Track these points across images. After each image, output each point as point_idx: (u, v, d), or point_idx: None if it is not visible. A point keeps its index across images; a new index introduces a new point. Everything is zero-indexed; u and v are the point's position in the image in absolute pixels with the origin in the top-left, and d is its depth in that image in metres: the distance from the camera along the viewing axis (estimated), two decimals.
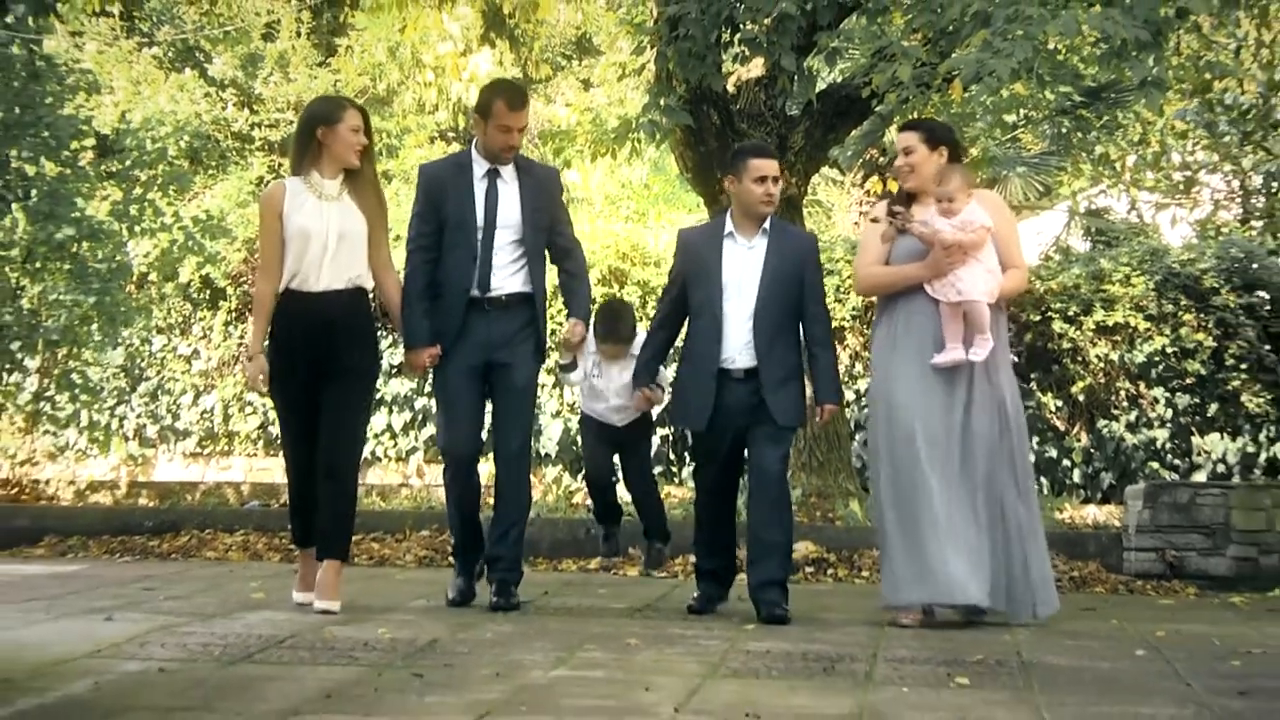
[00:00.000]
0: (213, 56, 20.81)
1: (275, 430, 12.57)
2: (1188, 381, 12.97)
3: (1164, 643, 6.62)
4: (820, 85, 10.17)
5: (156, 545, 10.02)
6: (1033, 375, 12.86)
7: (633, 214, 20.72)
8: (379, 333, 7.37)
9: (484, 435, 7.36)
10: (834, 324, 12.58)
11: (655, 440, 12.69)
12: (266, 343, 6.97)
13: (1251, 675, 5.78)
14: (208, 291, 13.77)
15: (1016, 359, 12.24)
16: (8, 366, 11.69)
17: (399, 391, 13.30)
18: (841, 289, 13.25)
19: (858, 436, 12.12)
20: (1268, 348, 13.01)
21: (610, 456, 7.86)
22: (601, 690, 5.13)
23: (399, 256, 7.21)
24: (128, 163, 12.23)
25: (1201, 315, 13.05)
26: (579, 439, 8.03)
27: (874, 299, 7.61)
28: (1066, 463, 12.78)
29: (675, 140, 10.96)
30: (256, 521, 10.42)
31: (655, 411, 7.80)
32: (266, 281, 6.94)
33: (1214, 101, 17.57)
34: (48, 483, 12.18)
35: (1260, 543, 9.30)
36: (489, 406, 7.28)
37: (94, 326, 11.69)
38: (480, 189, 7.12)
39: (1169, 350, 12.97)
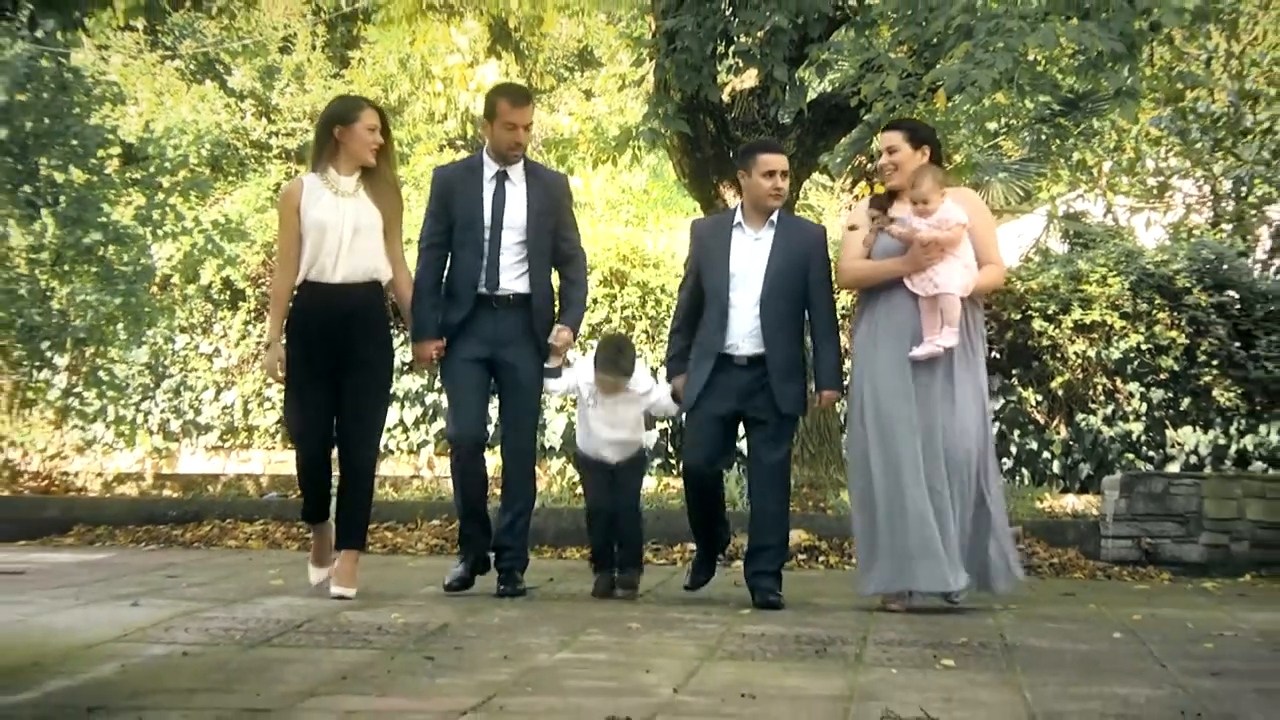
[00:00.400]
0: (232, 69, 20.81)
1: None
2: (1162, 377, 12.97)
3: (1140, 626, 6.62)
4: (811, 95, 10.15)
5: (180, 534, 10.02)
6: (1014, 371, 12.85)
7: (633, 218, 20.74)
8: (392, 328, 7.31)
9: (490, 427, 7.35)
10: None
11: (655, 434, 12.69)
12: (283, 341, 6.96)
13: (1223, 657, 5.79)
14: (228, 292, 13.75)
15: (998, 355, 12.27)
16: (38, 364, 11.70)
17: (411, 387, 13.29)
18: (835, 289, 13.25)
19: (845, 438, 12.11)
20: (1237, 345, 13.01)
21: (608, 485, 7.34)
22: (604, 672, 5.13)
23: (411, 256, 7.21)
24: (151, 170, 12.23)
25: (1174, 314, 13.04)
26: (580, 482, 7.67)
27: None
28: (1046, 454, 12.77)
29: (673, 147, 10.96)
30: (275, 511, 10.41)
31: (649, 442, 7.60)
32: (284, 275, 6.93)
33: (1186, 110, 17.58)
34: (76, 475, 12.18)
35: (1231, 530, 9.31)
36: (494, 400, 7.27)
37: (120, 326, 11.70)
38: (489, 190, 7.11)
39: (1144, 347, 12.96)
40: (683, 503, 7.56)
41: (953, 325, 6.70)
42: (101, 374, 12.12)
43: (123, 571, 8.09)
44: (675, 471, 12.54)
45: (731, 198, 10.23)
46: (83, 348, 11.71)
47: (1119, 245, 14.60)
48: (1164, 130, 18.27)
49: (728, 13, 10.00)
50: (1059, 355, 13.07)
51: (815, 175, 13.74)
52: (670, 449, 12.80)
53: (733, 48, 10.17)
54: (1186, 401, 12.94)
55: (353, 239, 6.84)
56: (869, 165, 14.21)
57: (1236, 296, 13.23)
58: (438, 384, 12.21)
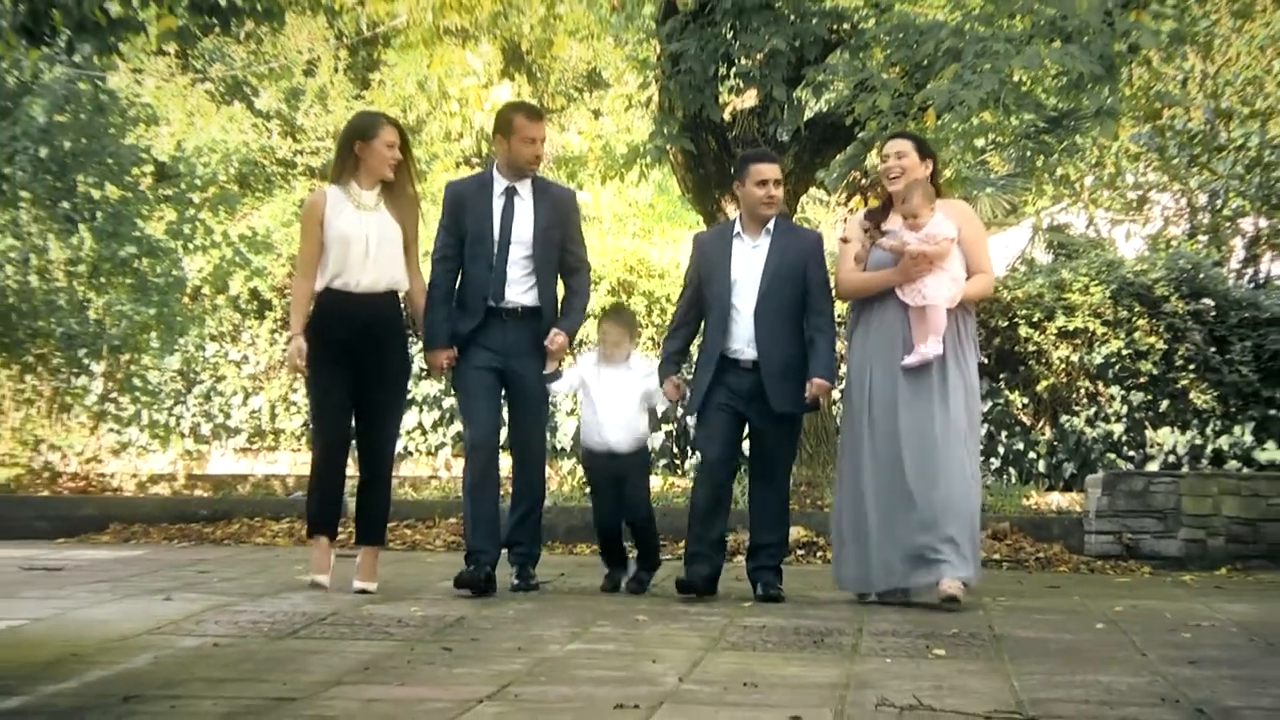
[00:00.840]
0: (259, 90, 20.83)
1: None
2: (1141, 380, 12.96)
3: (1122, 617, 6.61)
4: (808, 114, 10.15)
5: (210, 532, 10.02)
6: (1001, 375, 12.85)
7: (639, 231, 20.74)
8: (409, 335, 7.29)
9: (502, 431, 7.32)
10: None
11: (659, 435, 12.68)
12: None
13: (1200, 646, 5.78)
14: (255, 302, 13.76)
15: (986, 360, 12.25)
16: (76, 371, 11.72)
17: (429, 392, 13.30)
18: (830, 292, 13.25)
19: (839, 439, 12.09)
20: (1213, 350, 13.00)
21: (615, 500, 7.23)
22: (613, 662, 5.13)
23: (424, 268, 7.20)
24: (182, 186, 12.26)
25: (1153, 321, 13.04)
26: (584, 484, 7.59)
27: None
28: (1032, 454, 12.77)
29: (677, 164, 10.97)
30: (301, 510, 10.38)
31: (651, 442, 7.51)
32: (304, 279, 6.91)
33: (1164, 128, 17.56)
34: (112, 476, 12.18)
35: (1208, 526, 9.29)
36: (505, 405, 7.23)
37: (153, 335, 11.73)
38: (498, 206, 7.06)
39: (1124, 352, 12.95)
40: (687, 500, 7.53)
41: (938, 335, 6.68)
42: (136, 380, 12.14)
43: (156, 567, 8.10)
44: (680, 471, 12.54)
45: (732, 210, 10.21)
46: (118, 355, 11.73)
47: (1100, 256, 14.61)
48: (1143, 147, 18.26)
49: (729, 36, 10.02)
50: (1044, 360, 13.07)
51: (812, 190, 13.72)
52: (675, 450, 12.80)
53: (734, 69, 10.19)
54: (1165, 404, 12.93)
55: (376, 251, 6.84)
56: (863, 180, 14.21)
57: (1212, 304, 13.22)
58: None
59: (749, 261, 6.97)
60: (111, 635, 5.57)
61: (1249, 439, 12.74)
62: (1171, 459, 12.74)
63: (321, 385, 6.91)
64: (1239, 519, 9.39)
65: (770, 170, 7.02)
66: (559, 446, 12.79)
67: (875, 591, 6.87)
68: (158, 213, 11.99)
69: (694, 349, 7.41)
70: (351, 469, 7.18)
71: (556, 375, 7.17)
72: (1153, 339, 12.96)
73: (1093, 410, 13.00)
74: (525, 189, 7.11)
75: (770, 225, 7.02)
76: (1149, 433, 12.89)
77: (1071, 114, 10.34)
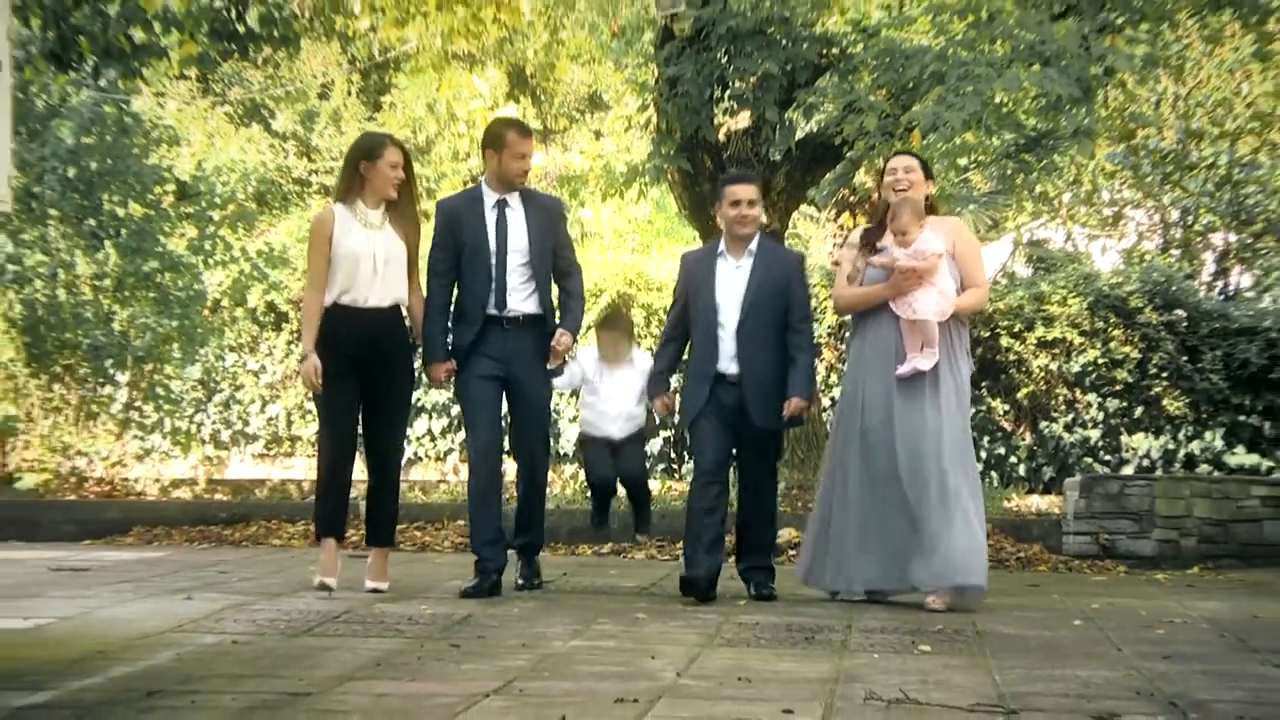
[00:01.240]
0: (276, 113, 20.85)
1: None
2: (1117, 388, 12.97)
3: (1098, 614, 6.62)
4: (799, 134, 10.16)
5: (229, 534, 10.01)
6: (984, 383, 12.84)
7: (638, 246, 20.75)
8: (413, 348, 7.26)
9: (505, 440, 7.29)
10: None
11: (658, 442, 12.68)
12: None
13: (1174, 641, 5.78)
14: (272, 315, 13.78)
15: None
16: (102, 380, 11.71)
17: (438, 400, 13.30)
18: (818, 309, 13.24)
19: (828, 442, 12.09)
20: (1185, 359, 13.01)
21: (610, 460, 7.29)
22: (613, 658, 5.13)
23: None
24: (203, 204, 12.27)
25: (1128, 331, 13.05)
26: (582, 456, 7.62)
27: (848, 318, 7.58)
28: (1013, 459, 12.78)
29: (674, 182, 10.97)
30: None
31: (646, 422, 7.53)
32: (314, 294, 6.84)
33: (1138, 147, 17.59)
34: (136, 480, 12.17)
35: (1180, 527, 9.29)
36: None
37: (175, 346, 11.73)
38: (491, 218, 6.99)
39: (1100, 361, 12.96)
40: (684, 504, 7.50)
41: (931, 347, 6.68)
42: (159, 389, 12.14)
43: (178, 568, 8.09)
44: (678, 475, 12.54)
45: None
46: (142, 365, 11.72)
47: (1078, 269, 14.61)
48: (1118, 165, 18.28)
49: (723, 61, 10.03)
50: (1024, 369, 13.08)
51: (803, 207, 13.73)
52: (673, 455, 12.80)
53: (728, 92, 10.21)
54: (1139, 410, 12.94)
55: (384, 269, 6.82)
56: (851, 197, 14.24)
57: (1184, 315, 13.23)
58: None
59: (732, 281, 6.93)
60: (135, 633, 5.57)
61: (1219, 444, 12.76)
62: (1146, 463, 12.75)
63: (330, 396, 6.86)
64: (1210, 520, 9.40)
65: (743, 191, 6.96)
66: (562, 452, 12.79)
67: (847, 591, 6.85)
68: (179, 229, 11.99)
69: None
70: (359, 473, 7.16)
71: (559, 371, 7.14)
72: (1128, 348, 12.97)
73: (1070, 417, 13.01)
74: (515, 200, 7.05)
75: (753, 245, 6.97)
76: (1124, 438, 12.90)
77: (1050, 134, 10.36)
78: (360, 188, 6.87)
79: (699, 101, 10.15)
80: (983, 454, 12.66)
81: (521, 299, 6.98)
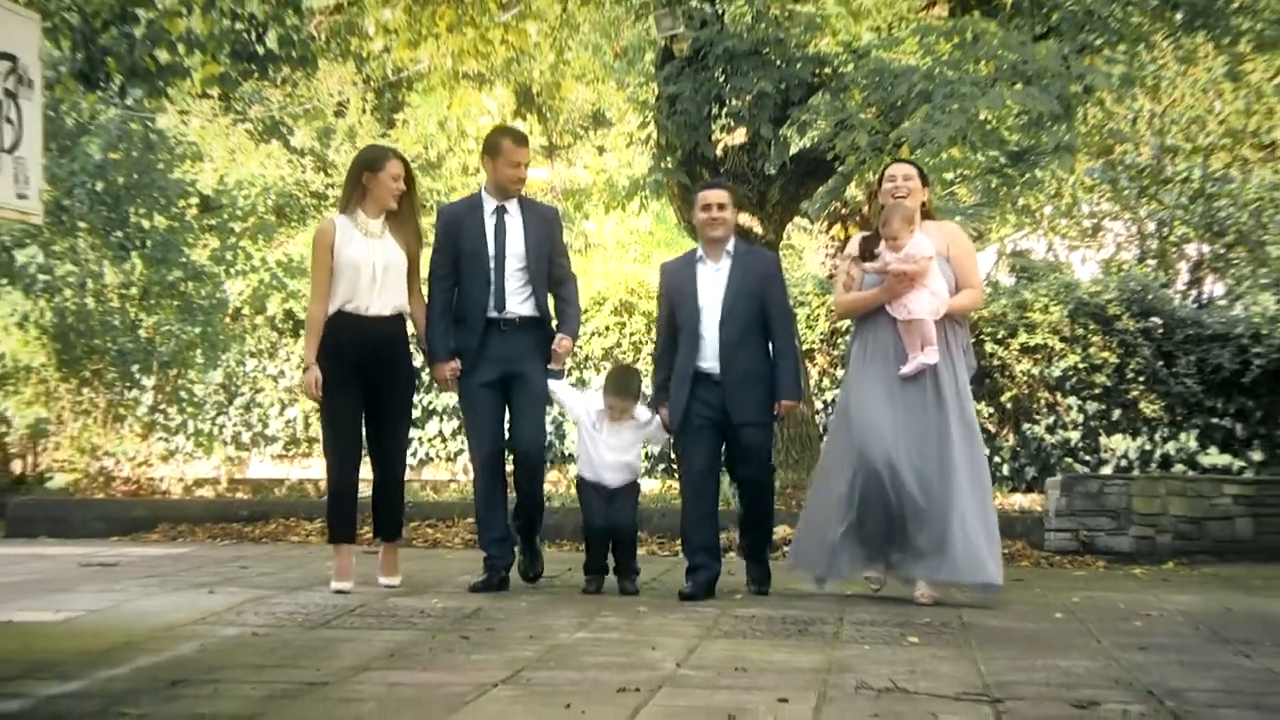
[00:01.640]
0: (294, 130, 20.86)
1: None
2: (1096, 391, 12.97)
3: (1078, 607, 6.61)
4: (793, 150, 10.17)
5: (250, 531, 10.01)
6: (969, 387, 12.83)
7: (639, 256, 20.78)
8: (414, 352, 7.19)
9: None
10: (805, 346, 12.61)
11: (656, 449, 12.67)
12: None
13: (1150, 633, 5.78)
14: (290, 322, 13.77)
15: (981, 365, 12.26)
16: (128, 384, 11.71)
17: (448, 403, 13.29)
18: (811, 316, 13.25)
19: (825, 439, 12.08)
20: (1161, 364, 13.01)
21: (604, 509, 6.99)
22: (616, 649, 5.12)
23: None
24: (225, 217, 12.28)
25: (1107, 337, 13.05)
26: (580, 505, 7.33)
27: (848, 322, 7.54)
28: (997, 459, 12.76)
29: (674, 195, 10.99)
30: None
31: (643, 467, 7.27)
32: (318, 304, 6.77)
33: (1115, 162, 17.61)
34: (161, 480, 12.17)
35: (1156, 524, 9.29)
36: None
37: (198, 351, 11.74)
38: (490, 224, 6.93)
39: (1080, 366, 12.97)
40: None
41: (931, 344, 6.66)
42: (183, 393, 12.14)
43: (201, 563, 8.10)
44: (677, 475, 12.52)
45: None
46: (167, 370, 11.73)
47: (1059, 278, 14.63)
48: (1096, 179, 18.31)
49: (721, 80, 10.05)
50: (1007, 373, 13.08)
51: (796, 219, 13.75)
52: (672, 455, 12.79)
53: (725, 110, 10.21)
54: (1117, 413, 12.94)
55: (384, 276, 6.76)
56: (843, 210, 14.23)
57: (1160, 322, 13.24)
58: None
59: (713, 283, 6.88)
60: (160, 625, 5.57)
61: (1194, 445, 12.76)
62: (1123, 463, 12.75)
63: (334, 404, 6.78)
64: (1185, 518, 9.40)
65: (714, 196, 6.94)
66: (567, 453, 12.79)
67: (835, 576, 6.82)
68: (202, 241, 12.01)
69: None
70: (364, 471, 7.10)
71: (560, 374, 7.04)
72: (1106, 354, 12.98)
73: (1052, 419, 13.01)
74: (513, 207, 6.99)
75: (730, 248, 6.93)
76: (1103, 439, 12.90)
77: (1032, 150, 10.37)
78: (362, 198, 6.81)
79: (697, 118, 10.16)
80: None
81: (518, 302, 6.90)
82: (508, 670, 4.60)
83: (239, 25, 12.80)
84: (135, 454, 11.72)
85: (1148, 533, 9.25)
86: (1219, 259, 17.95)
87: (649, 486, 11.68)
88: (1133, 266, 17.50)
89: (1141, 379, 12.96)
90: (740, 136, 10.51)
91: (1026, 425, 13.00)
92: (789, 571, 7.10)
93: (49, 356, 11.25)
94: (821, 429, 12.15)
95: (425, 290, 7.02)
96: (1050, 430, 12.96)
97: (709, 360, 6.83)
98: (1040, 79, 8.65)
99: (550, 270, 7.02)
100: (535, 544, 7.12)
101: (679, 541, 8.64)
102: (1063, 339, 13.04)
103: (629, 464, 7.03)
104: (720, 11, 9.98)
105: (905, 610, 6.30)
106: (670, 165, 10.52)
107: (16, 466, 12.15)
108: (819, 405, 12.60)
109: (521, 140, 7.08)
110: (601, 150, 23.48)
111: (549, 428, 13.08)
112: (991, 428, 12.91)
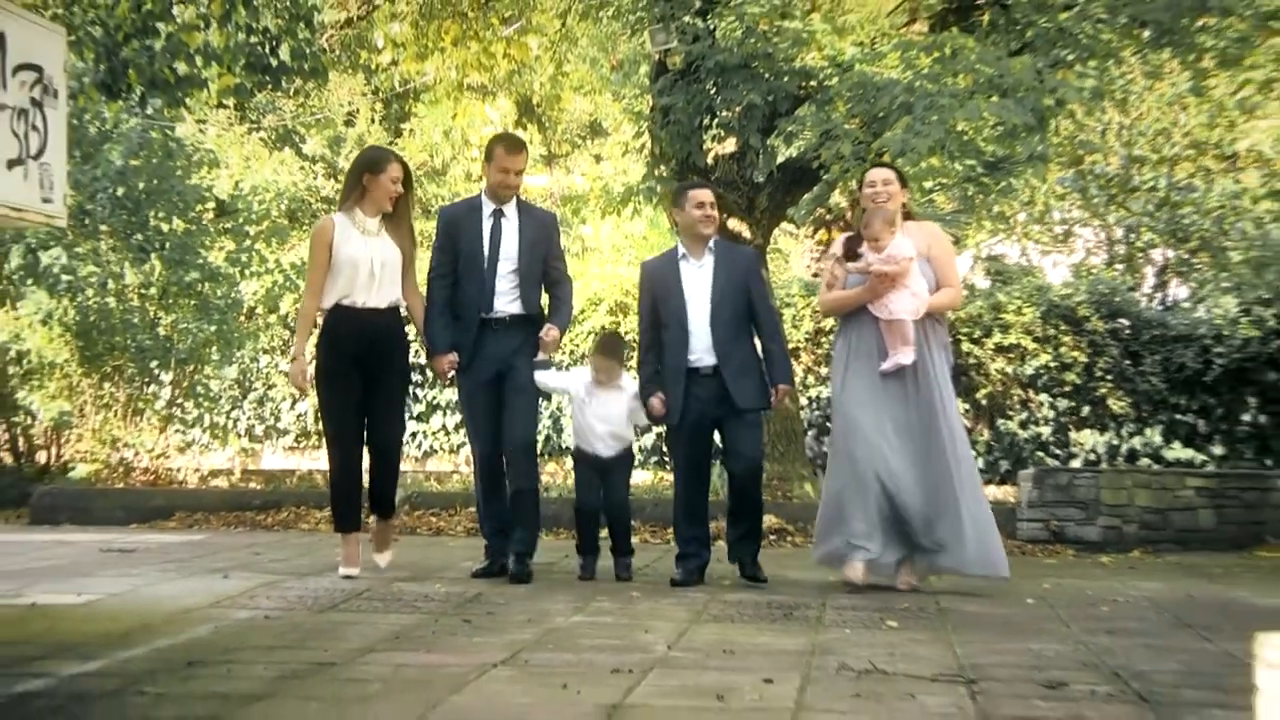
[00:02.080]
0: (306, 138, 20.85)
1: None
2: (1066, 389, 12.98)
3: (1049, 594, 6.61)
4: (780, 159, 10.17)
5: (263, 519, 10.00)
6: None
7: (634, 260, 20.72)
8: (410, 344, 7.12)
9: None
10: (790, 345, 12.62)
11: (651, 436, 12.68)
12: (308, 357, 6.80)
13: (1117, 618, 5.78)
14: None
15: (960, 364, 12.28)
16: (147, 380, 11.71)
17: (451, 398, 13.28)
18: (796, 317, 13.25)
19: (809, 434, 12.09)
20: (1128, 363, 13.03)
21: (599, 487, 7.02)
22: (610, 632, 5.12)
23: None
24: (240, 221, 12.28)
25: (1077, 337, 13.07)
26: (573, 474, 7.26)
27: (832, 321, 7.51)
28: (973, 453, 12.76)
29: (667, 202, 10.96)
30: None
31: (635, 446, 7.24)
32: (312, 299, 6.73)
33: (1086, 172, 17.62)
34: (178, 470, 12.17)
35: (1123, 515, 9.30)
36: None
37: (214, 348, 11.73)
38: (487, 226, 6.89)
39: (1051, 365, 12.98)
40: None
41: (908, 344, 6.64)
42: (199, 388, 12.14)
43: (215, 550, 8.09)
44: (670, 467, 12.53)
45: None
46: (184, 366, 11.73)
47: (1031, 281, 14.64)
48: (1068, 188, 18.32)
49: (712, 92, 10.04)
50: (982, 371, 13.08)
51: (783, 224, 13.75)
52: (664, 448, 12.79)
53: (716, 120, 10.20)
54: (1086, 409, 12.96)
55: (380, 273, 6.71)
56: (827, 216, 14.24)
57: (1127, 323, 13.26)
58: None
59: (698, 280, 6.83)
60: (177, 609, 5.57)
61: (1159, 439, 12.78)
62: (1092, 457, 12.77)
63: (333, 395, 6.73)
64: (1150, 509, 9.41)
65: (706, 194, 6.91)
66: (564, 445, 12.78)
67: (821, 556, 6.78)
68: (218, 243, 12.00)
69: None
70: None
71: (547, 365, 6.92)
72: (1076, 353, 12.99)
73: (1025, 415, 13.02)
74: (511, 210, 6.94)
75: (711, 245, 6.91)
76: (1073, 434, 12.91)
77: (1007, 159, 10.36)
78: (361, 197, 6.76)
79: (689, 129, 10.16)
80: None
81: (507, 302, 6.84)
82: (507, 652, 4.60)
83: (254, 39, 12.80)
84: (154, 446, 11.71)
85: (1115, 523, 9.26)
86: (1183, 264, 17.96)
87: (641, 478, 11.67)
88: (1101, 270, 17.51)
89: (1109, 377, 12.97)
90: (730, 146, 10.51)
91: (1000, 421, 13.01)
92: (818, 565, 6.95)
93: (72, 353, 11.25)
94: (806, 424, 12.17)
95: (424, 287, 6.98)
96: (1023, 426, 12.97)
97: (699, 354, 6.77)
98: (1015, 92, 8.64)
99: (546, 272, 6.97)
100: (526, 563, 6.80)
101: (670, 530, 8.65)
102: (1035, 339, 13.05)
103: (619, 434, 6.98)
104: (712, 27, 9.97)
105: (885, 596, 6.30)
106: (664, 173, 10.51)
107: (41, 457, 12.14)
108: (804, 401, 12.60)
109: (515, 147, 6.98)
110: (598, 158, 23.49)
111: (547, 421, 13.14)
112: (967, 423, 12.91)
